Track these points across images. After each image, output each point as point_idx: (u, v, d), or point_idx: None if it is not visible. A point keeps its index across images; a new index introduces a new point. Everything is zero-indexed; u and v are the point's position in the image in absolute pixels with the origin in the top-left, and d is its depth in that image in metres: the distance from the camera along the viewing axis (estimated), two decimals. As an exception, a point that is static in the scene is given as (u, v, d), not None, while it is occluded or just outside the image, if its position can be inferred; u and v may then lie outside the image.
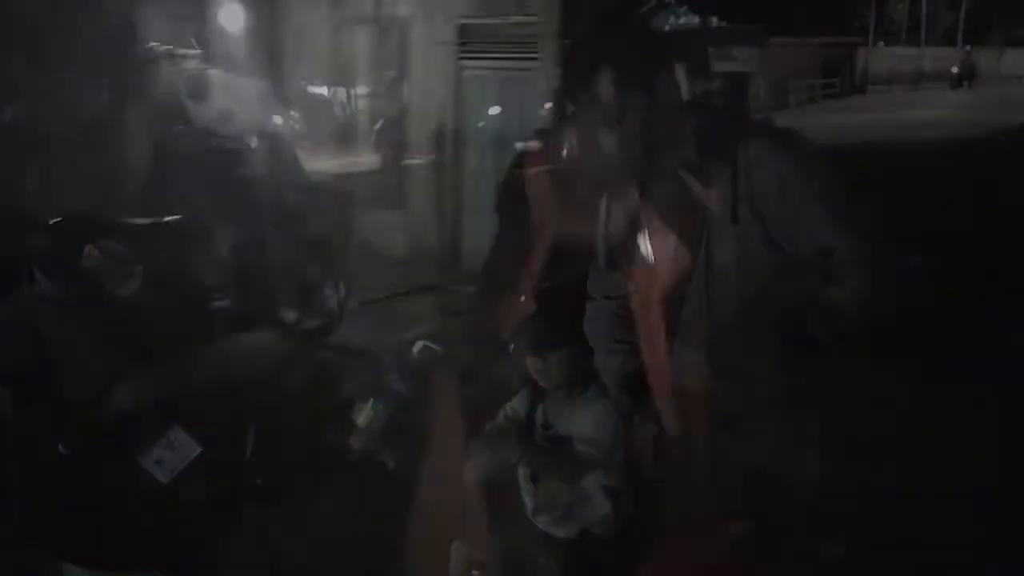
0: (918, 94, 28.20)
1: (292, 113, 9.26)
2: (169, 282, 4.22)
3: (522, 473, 2.20)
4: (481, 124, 7.75)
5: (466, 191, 7.98)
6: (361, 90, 8.62)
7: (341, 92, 8.76)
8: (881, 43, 35.33)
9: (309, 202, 4.93)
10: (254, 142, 7.40)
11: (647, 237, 1.77)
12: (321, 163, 9.00)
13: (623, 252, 1.78)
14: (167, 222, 4.30)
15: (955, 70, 28.83)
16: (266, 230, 4.76)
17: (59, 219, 3.81)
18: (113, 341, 3.94)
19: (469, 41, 7.65)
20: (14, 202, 3.71)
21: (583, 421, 2.13)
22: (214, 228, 4.61)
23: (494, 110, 7.65)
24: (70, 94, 4.78)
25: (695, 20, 7.47)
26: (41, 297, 3.75)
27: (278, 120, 9.07)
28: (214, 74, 7.15)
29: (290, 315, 5.01)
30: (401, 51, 8.12)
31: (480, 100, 7.72)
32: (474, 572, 1.93)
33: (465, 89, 7.77)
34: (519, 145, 2.09)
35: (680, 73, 1.91)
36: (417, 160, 8.18)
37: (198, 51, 6.89)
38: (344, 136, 8.82)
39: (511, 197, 2.02)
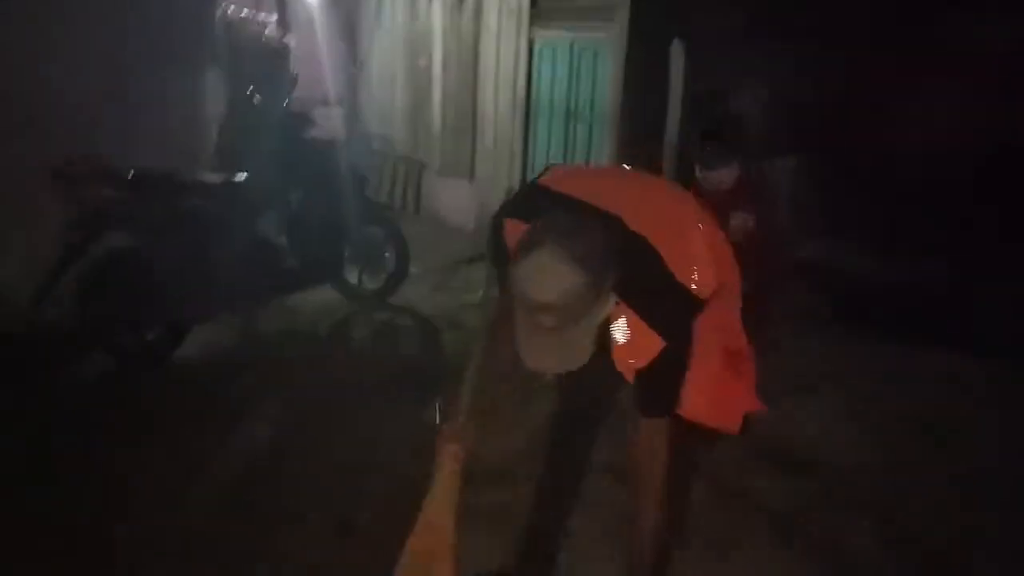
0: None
1: (364, 79, 9.42)
2: (237, 237, 4.41)
3: None
4: (551, 93, 7.72)
5: (534, 159, 7.97)
6: (435, 58, 8.66)
7: (414, 60, 8.82)
8: None
9: (377, 167, 5.00)
10: (325, 107, 7.57)
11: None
12: (392, 130, 9.13)
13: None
14: (236, 181, 4.47)
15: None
16: (333, 193, 4.87)
17: (135, 173, 4.02)
18: (185, 289, 4.16)
19: (542, 9, 7.60)
20: (93, 157, 3.89)
21: None
22: (282, 189, 4.77)
23: (564, 79, 7.59)
24: (148, 55, 4.95)
25: None
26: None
27: (351, 86, 9.24)
28: (290, 39, 7.32)
29: (353, 276, 5.15)
30: (475, 18, 8.12)
31: (551, 69, 7.67)
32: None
33: (536, 58, 7.74)
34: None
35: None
36: (487, 129, 8.20)
37: (275, 16, 7.05)
38: (415, 104, 8.90)
39: (498, 254, 2.05)
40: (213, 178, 4.45)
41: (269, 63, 6.47)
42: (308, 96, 8.15)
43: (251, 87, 4.82)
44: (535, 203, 1.95)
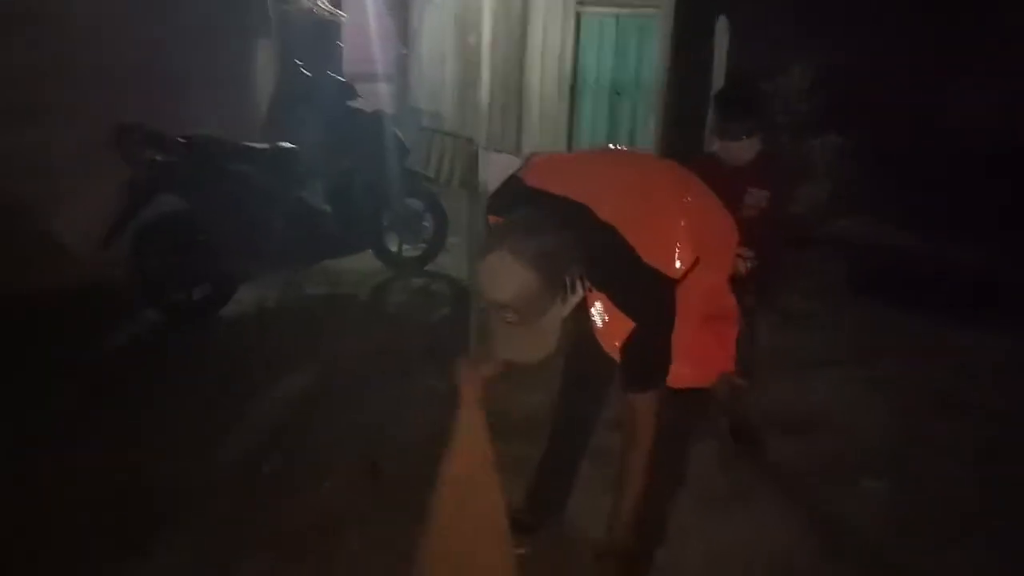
0: None
1: (415, 57, 9.56)
2: (282, 202, 4.61)
3: None
4: (596, 70, 7.78)
5: (579, 135, 8.05)
6: (484, 35, 8.75)
7: (463, 37, 8.93)
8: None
9: (425, 142, 5.14)
10: (374, 83, 7.75)
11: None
12: (441, 106, 9.28)
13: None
14: (282, 148, 4.67)
15: None
16: (375, 163, 5.03)
17: (186, 139, 4.24)
18: (231, 250, 4.37)
19: (590, -16, 7.66)
20: (147, 124, 4.11)
21: None
22: (327, 158, 4.95)
23: (610, 56, 7.65)
24: (203, 26, 5.16)
25: None
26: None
27: (401, 64, 9.40)
28: (341, 15, 7.50)
29: (393, 244, 5.32)
30: (524, -6, 8.19)
31: (597, 46, 7.73)
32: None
33: (583, 33, 7.80)
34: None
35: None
36: (533, 105, 8.30)
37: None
38: (464, 81, 9.01)
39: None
40: (260, 145, 4.64)
41: (319, 37, 6.67)
42: (358, 71, 8.37)
43: (299, 59, 5.00)
44: (510, 198, 2.04)
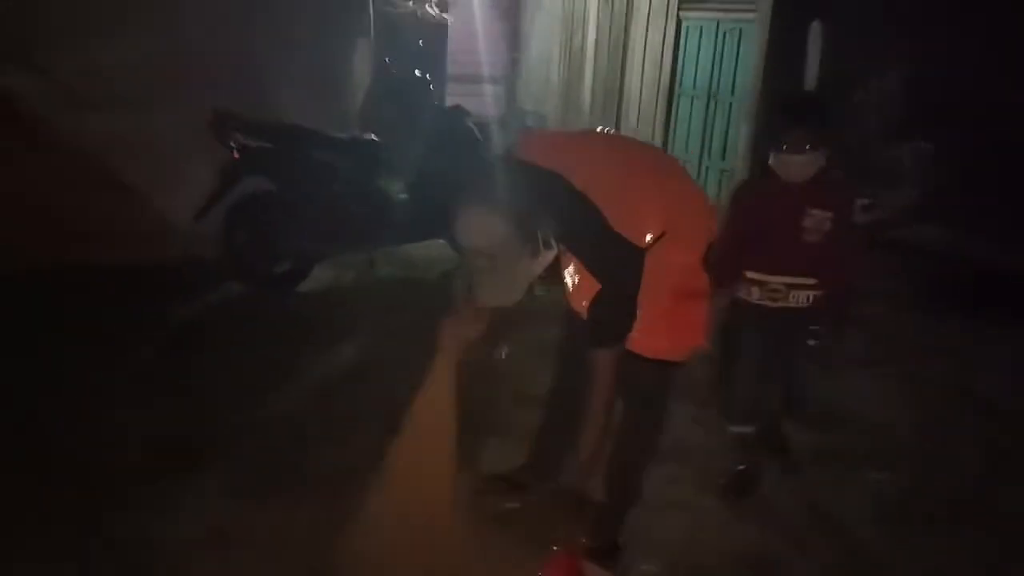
0: None
1: (524, 59, 9.85)
2: (362, 189, 4.98)
3: None
4: (695, 74, 7.82)
5: (675, 138, 8.11)
6: (589, 39, 8.95)
7: (569, 40, 9.15)
8: None
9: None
10: (479, 84, 8.07)
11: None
12: (545, 108, 9.53)
13: None
14: (366, 139, 5.04)
15: None
16: (455, 158, 5.31)
17: (275, 126, 4.67)
18: (312, 230, 4.77)
19: (692, -10, 7.71)
20: (240, 111, 4.57)
21: None
22: (409, 151, 5.29)
23: (708, 60, 7.67)
24: (306, 23, 5.62)
25: None
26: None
27: (510, 65, 9.70)
28: (448, 17, 7.88)
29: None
30: (628, 0, 8.33)
31: (696, 50, 7.77)
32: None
33: (683, 39, 7.86)
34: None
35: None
36: (632, 107, 8.42)
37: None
38: (568, 83, 9.23)
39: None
40: (343, 135, 5.03)
41: (422, 38, 7.06)
42: (465, 72, 8.74)
43: (388, 57, 5.37)
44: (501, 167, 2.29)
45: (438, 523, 2.20)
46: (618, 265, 2.11)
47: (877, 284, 4.71)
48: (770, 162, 2.72)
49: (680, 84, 7.98)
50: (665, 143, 8.12)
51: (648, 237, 2.10)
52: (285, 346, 4.01)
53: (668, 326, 2.27)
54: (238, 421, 3.21)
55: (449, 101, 6.35)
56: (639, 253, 2.10)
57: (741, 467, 2.97)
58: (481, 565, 2.38)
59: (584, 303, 2.15)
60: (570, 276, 2.20)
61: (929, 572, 2.58)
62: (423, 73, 5.44)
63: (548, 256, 2.07)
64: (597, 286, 2.10)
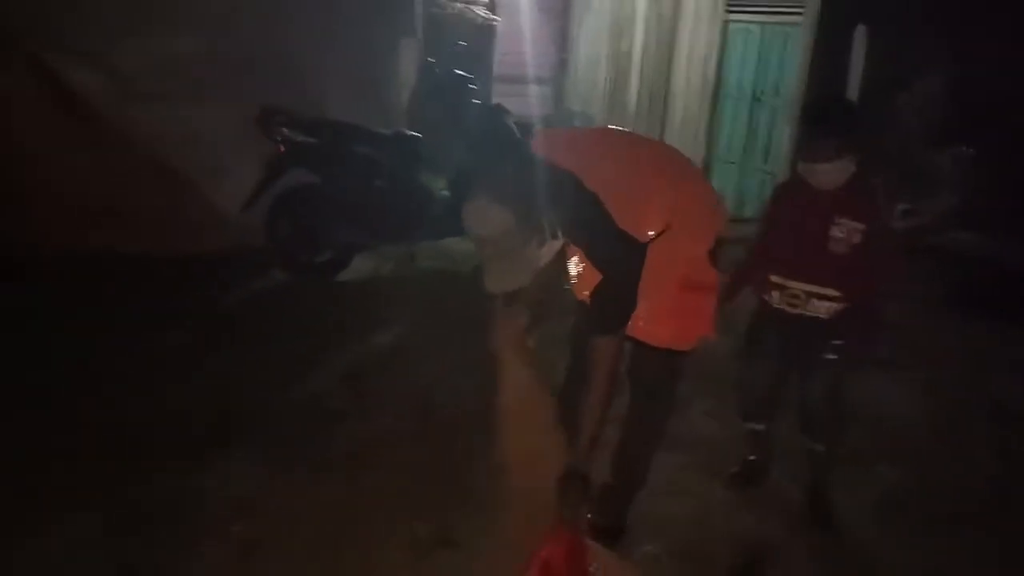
0: None
1: (572, 60, 9.93)
2: (402, 183, 5.14)
3: None
4: (740, 77, 7.83)
5: (719, 140, 8.13)
6: (636, 41, 8.99)
7: (617, 43, 9.20)
8: None
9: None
10: (527, 83, 8.18)
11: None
12: (592, 109, 9.59)
13: None
14: (408, 135, 5.21)
15: None
16: (496, 155, 5.44)
17: (319, 121, 4.86)
18: (353, 222, 4.95)
19: (741, -7, 7.72)
20: (286, 107, 4.78)
21: None
22: (451, 148, 5.43)
23: (753, 64, 7.68)
24: (357, 23, 5.81)
25: None
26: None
27: (558, 67, 9.79)
28: (496, 19, 8.02)
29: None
30: (676, 3, 8.36)
31: (741, 53, 7.78)
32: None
33: (729, 41, 7.88)
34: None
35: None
36: (676, 109, 8.45)
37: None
38: (615, 85, 9.29)
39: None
40: (385, 131, 5.21)
41: (468, 39, 7.21)
42: (512, 73, 8.86)
43: (432, 57, 5.53)
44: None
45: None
46: (619, 259, 2.20)
47: (908, 287, 4.70)
48: (798, 169, 2.67)
49: (725, 86, 7.99)
50: (708, 142, 8.14)
51: (651, 233, 2.20)
52: (321, 332, 4.19)
53: (674, 316, 2.36)
54: (270, 401, 3.41)
55: (496, 101, 6.49)
56: (640, 248, 2.20)
57: (751, 458, 3.04)
58: (487, 539, 2.51)
59: (586, 292, 2.26)
60: (575, 266, 2.32)
61: (929, 571, 2.62)
62: (466, 73, 5.58)
63: (554, 246, 2.19)
64: (595, 278, 2.20)
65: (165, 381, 3.50)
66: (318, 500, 2.74)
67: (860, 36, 6.38)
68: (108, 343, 3.80)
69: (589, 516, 2.43)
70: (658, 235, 2.23)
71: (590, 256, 2.24)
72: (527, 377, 2.36)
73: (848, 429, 2.92)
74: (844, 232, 2.58)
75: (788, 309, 2.72)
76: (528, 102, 8.69)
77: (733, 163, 7.97)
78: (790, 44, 7.26)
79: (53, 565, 2.40)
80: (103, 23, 4.74)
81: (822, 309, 2.63)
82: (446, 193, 5.41)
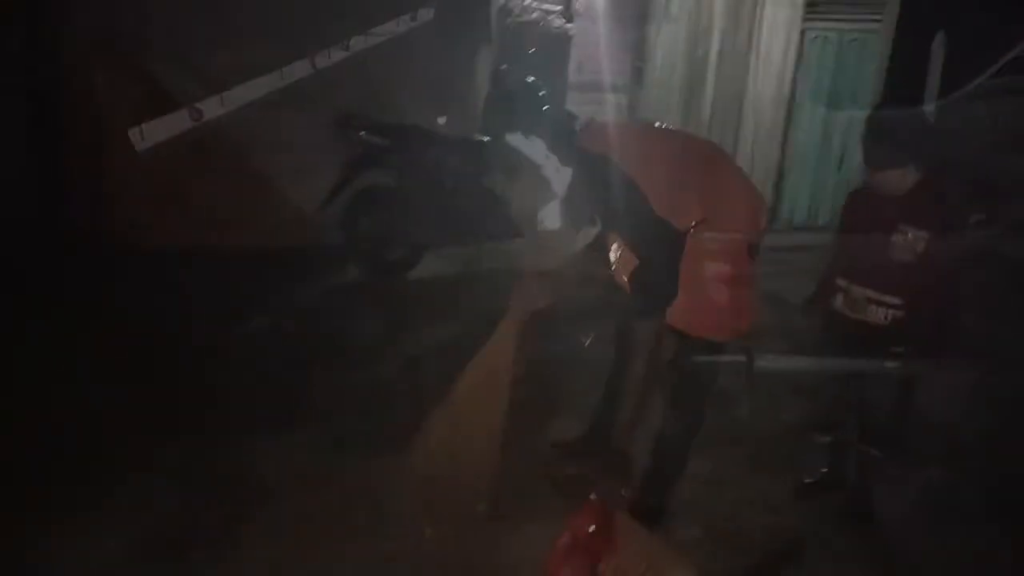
0: None
1: (649, 69, 9.98)
2: (470, 186, 5.34)
3: None
4: (817, 84, 7.78)
5: (794, 148, 8.07)
6: (712, 49, 9.00)
7: (693, 50, 9.22)
8: None
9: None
10: (602, 91, 8.28)
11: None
12: (667, 117, 9.62)
13: None
14: (477, 140, 5.40)
15: None
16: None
17: (394, 126, 5.11)
18: (424, 221, 5.17)
19: (818, 2, 7.67)
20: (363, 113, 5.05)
21: None
22: (509, 153, 5.60)
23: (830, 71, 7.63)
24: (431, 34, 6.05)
25: None
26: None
27: (633, 76, 9.85)
28: (571, 28, 8.17)
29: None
30: (754, 10, 8.35)
31: (818, 60, 7.74)
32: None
33: (806, 49, 7.83)
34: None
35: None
36: (751, 117, 8.42)
37: (559, 6, 7.92)
38: (690, 92, 9.30)
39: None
40: (455, 136, 5.42)
41: (543, 47, 7.38)
42: (587, 80, 8.97)
43: (504, 65, 5.72)
44: None
45: (485, 462, 2.47)
46: (659, 246, 2.34)
47: (980, 298, 4.63)
48: (864, 176, 2.73)
49: (800, 94, 7.94)
50: (783, 151, 8.10)
51: (687, 222, 2.32)
52: (388, 325, 4.42)
53: (712, 307, 2.46)
54: (335, 386, 3.65)
55: (569, 108, 6.57)
56: (679, 235, 2.33)
57: (823, 470, 3.00)
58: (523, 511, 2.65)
59: (625, 276, 2.39)
60: (614, 252, 2.46)
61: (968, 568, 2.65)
62: (537, 80, 5.73)
63: (591, 231, 2.33)
64: (636, 261, 2.34)
65: (242, 367, 3.76)
66: (378, 477, 2.91)
67: (939, 42, 6.28)
68: (209, 331, 4.12)
69: (627, 495, 2.56)
70: (696, 225, 2.35)
71: (629, 241, 2.38)
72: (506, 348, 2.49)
73: (907, 438, 2.93)
74: (908, 239, 2.56)
75: (849, 314, 2.70)
76: (603, 110, 8.78)
77: (808, 170, 7.91)
78: (868, 51, 7.19)
79: (127, 519, 2.62)
80: (201, 31, 5.09)
81: (881, 316, 2.60)
82: (511, 196, 5.59)
